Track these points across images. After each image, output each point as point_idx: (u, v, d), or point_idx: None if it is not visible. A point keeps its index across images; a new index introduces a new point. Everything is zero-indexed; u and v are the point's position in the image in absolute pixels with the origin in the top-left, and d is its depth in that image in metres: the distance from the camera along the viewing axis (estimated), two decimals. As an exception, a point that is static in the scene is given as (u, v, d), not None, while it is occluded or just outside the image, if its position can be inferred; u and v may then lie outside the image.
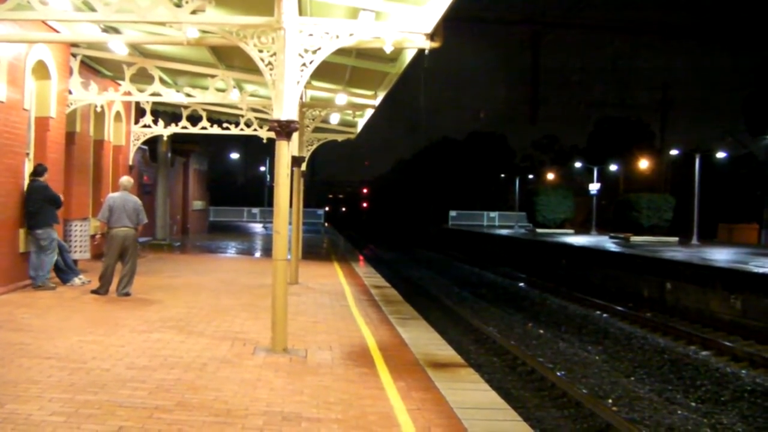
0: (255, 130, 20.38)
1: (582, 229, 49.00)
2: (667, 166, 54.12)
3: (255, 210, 58.48)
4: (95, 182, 18.91)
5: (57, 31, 13.66)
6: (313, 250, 27.05)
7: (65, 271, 13.42)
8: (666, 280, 22.19)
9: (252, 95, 17.61)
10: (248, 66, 13.96)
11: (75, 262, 14.22)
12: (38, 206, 12.54)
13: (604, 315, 19.92)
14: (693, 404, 11.54)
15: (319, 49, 8.48)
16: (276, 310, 8.41)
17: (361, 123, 19.82)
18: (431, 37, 9.10)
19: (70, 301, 11.80)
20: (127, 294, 12.38)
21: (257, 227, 49.36)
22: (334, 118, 18.51)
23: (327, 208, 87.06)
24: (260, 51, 8.44)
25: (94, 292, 12.38)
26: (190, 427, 5.64)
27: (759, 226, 40.02)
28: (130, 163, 21.42)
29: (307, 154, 16.61)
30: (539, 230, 45.61)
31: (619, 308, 20.12)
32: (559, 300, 22.94)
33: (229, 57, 14.91)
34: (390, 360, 8.30)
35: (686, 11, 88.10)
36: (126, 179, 12.99)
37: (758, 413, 11.08)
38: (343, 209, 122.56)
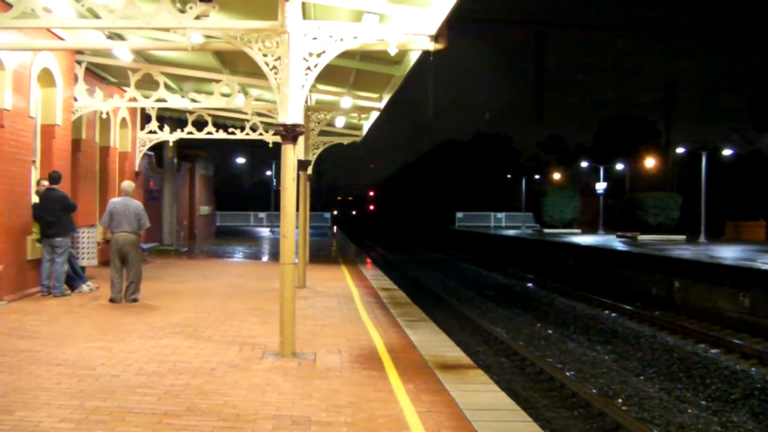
0: (260, 134, 20.38)
1: (589, 228, 48.92)
2: (674, 165, 54.07)
3: (261, 214, 58.56)
4: (101, 189, 18.95)
5: (61, 39, 13.70)
6: (320, 254, 27.05)
7: (73, 278, 13.44)
8: (674, 278, 22.12)
9: (257, 99, 17.64)
10: (253, 70, 13.99)
11: (83, 269, 14.25)
12: (58, 215, 12.59)
13: (613, 314, 19.86)
14: (703, 403, 11.49)
15: (324, 52, 8.49)
16: (284, 314, 8.41)
17: (366, 126, 19.83)
18: (435, 38, 9.08)
19: (78, 308, 11.82)
20: (135, 300, 12.39)
21: (264, 231, 49.41)
22: (340, 121, 18.54)
23: (335, 212, 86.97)
24: (265, 55, 8.46)
25: (111, 300, 12.33)
26: (200, 433, 5.64)
27: (766, 223, 39.89)
28: (137, 169, 21.46)
29: (312, 158, 16.63)
30: (546, 230, 45.58)
31: (628, 307, 20.06)
32: (567, 300, 22.89)
33: (233, 62, 14.93)
34: (399, 362, 8.29)
35: (691, 9, 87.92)
36: (127, 184, 12.91)
37: (769, 411, 11.04)
38: (354, 213, 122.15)
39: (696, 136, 54.43)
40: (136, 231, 12.39)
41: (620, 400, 11.43)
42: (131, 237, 12.31)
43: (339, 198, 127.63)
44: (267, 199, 56.01)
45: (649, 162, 54.88)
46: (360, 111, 17.42)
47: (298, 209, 11.52)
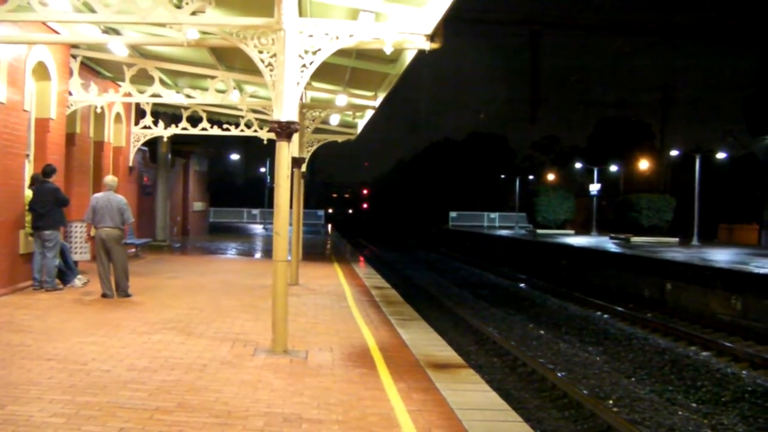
0: (255, 131, 20.38)
1: (582, 229, 48.99)
2: (668, 167, 54.19)
3: (255, 211, 58.49)
4: (95, 184, 18.85)
5: (57, 33, 13.66)
6: (313, 251, 27.04)
7: (66, 272, 13.42)
8: (666, 280, 22.18)
9: (252, 96, 17.61)
10: (248, 67, 13.98)
11: (75, 263, 14.21)
12: (48, 208, 12.53)
13: (605, 316, 19.90)
14: (694, 405, 11.52)
15: (319, 50, 8.48)
16: (276, 312, 8.41)
17: (361, 124, 19.81)
18: (431, 38, 9.09)
19: (70, 302, 11.80)
20: (127, 295, 12.36)
21: (257, 228, 49.35)
22: (334, 119, 18.50)
23: (329, 210, 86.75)
24: (260, 52, 8.45)
25: (103, 295, 12.30)
26: (191, 429, 5.64)
27: (759, 226, 39.97)
28: (130, 164, 21.44)
29: (307, 155, 16.61)
30: (540, 231, 45.59)
31: (620, 309, 20.09)
32: (559, 301, 22.91)
33: (229, 58, 14.91)
34: (390, 361, 8.30)
35: (687, 12, 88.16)
36: (110, 178, 12.83)
37: (759, 414, 11.06)
38: (348, 211, 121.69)
39: (691, 139, 54.54)
40: (119, 226, 12.29)
41: (611, 402, 11.45)
42: (114, 232, 12.22)
43: (334, 195, 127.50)
44: (261, 196, 55.98)
45: (644, 164, 55.01)
46: (355, 109, 17.40)
47: (291, 206, 11.52)
